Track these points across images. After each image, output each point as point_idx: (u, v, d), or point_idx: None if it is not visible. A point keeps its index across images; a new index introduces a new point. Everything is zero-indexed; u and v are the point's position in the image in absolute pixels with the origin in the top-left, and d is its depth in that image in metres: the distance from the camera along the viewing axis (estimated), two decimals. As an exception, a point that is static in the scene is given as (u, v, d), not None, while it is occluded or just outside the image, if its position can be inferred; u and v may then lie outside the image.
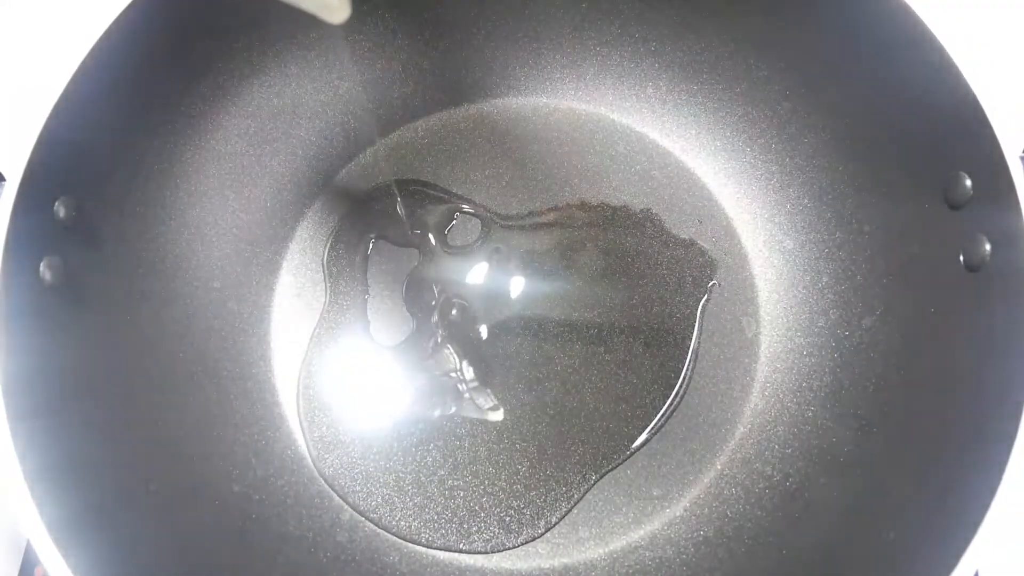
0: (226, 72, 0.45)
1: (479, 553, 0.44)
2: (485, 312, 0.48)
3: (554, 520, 0.45)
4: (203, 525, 0.40)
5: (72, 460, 0.34)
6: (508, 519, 0.45)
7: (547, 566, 0.44)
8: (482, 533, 0.44)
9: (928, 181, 0.38)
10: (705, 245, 0.50)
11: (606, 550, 0.45)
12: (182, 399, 0.43)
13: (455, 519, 0.45)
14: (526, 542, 0.44)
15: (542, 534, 0.44)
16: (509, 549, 0.44)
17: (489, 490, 0.45)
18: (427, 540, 0.44)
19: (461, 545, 0.44)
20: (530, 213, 0.50)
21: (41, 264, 0.34)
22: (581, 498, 0.45)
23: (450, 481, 0.45)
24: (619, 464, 0.46)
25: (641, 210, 0.51)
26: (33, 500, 0.30)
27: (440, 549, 0.44)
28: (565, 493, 0.45)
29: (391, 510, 0.45)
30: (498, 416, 0.46)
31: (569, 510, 0.45)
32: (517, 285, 0.49)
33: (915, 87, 0.38)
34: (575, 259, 0.49)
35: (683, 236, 0.50)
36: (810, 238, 0.48)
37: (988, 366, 0.35)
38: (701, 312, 0.49)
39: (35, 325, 0.34)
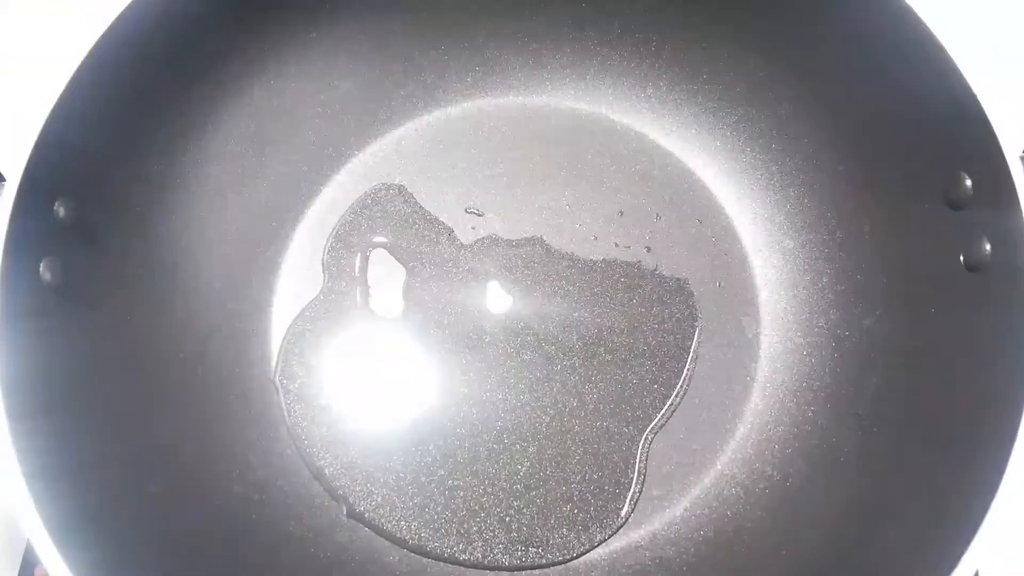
0: (226, 72, 0.45)
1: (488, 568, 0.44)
2: (486, 313, 0.48)
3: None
4: (203, 525, 0.40)
5: (72, 460, 0.34)
6: (508, 519, 0.45)
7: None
8: (482, 534, 0.44)
9: (928, 181, 0.38)
10: (706, 245, 0.50)
11: (606, 550, 0.45)
12: (182, 399, 0.43)
13: (455, 519, 0.45)
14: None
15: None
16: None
17: (489, 490, 0.45)
18: (426, 543, 0.44)
19: (463, 555, 0.44)
20: (530, 213, 0.50)
21: (41, 264, 0.34)
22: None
23: (450, 481, 0.45)
24: (619, 464, 0.46)
25: (641, 211, 0.51)
26: (33, 500, 0.30)
27: (439, 559, 0.44)
28: (565, 493, 0.45)
29: (391, 510, 0.45)
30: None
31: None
32: (517, 285, 0.49)
33: (915, 87, 0.38)
34: (575, 259, 0.49)
35: (684, 237, 0.50)
36: (810, 238, 0.48)
37: (988, 366, 0.35)
38: (701, 312, 0.49)
39: (35, 325, 0.34)
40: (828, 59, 0.43)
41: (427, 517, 0.45)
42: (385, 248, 0.50)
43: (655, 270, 0.49)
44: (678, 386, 0.47)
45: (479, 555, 0.44)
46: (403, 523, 0.45)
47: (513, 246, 0.50)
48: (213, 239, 0.46)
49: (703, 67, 0.50)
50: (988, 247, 0.35)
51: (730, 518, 0.44)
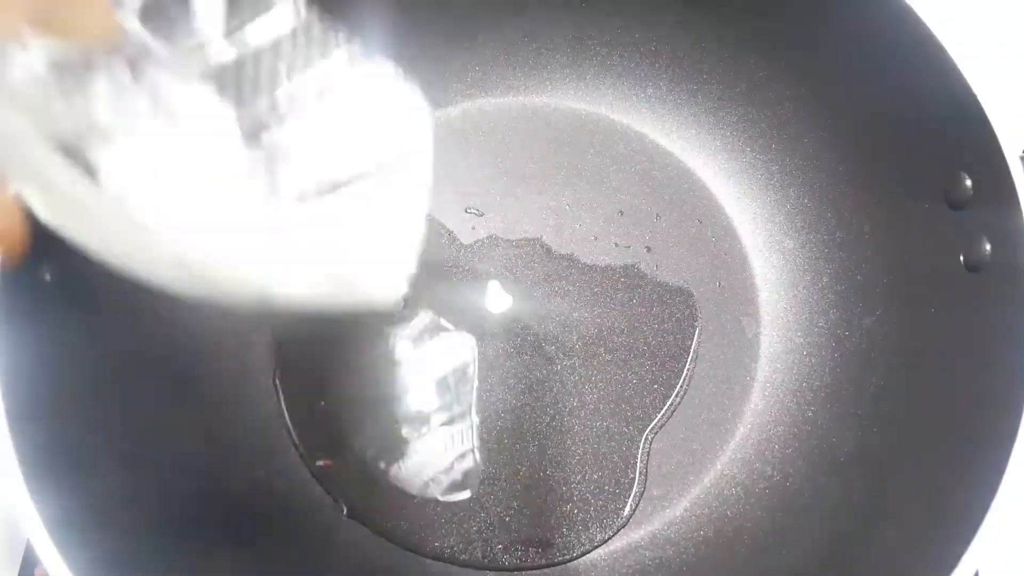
0: (226, 72, 0.45)
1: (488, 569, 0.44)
2: (486, 312, 0.48)
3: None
4: (203, 525, 0.40)
5: (72, 460, 0.34)
6: (508, 519, 0.45)
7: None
8: (482, 534, 0.44)
9: (928, 181, 0.38)
10: (706, 244, 0.50)
11: (606, 550, 0.45)
12: (182, 399, 0.43)
13: (455, 519, 0.45)
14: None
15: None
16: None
17: (489, 490, 0.45)
18: (426, 542, 0.44)
19: (463, 555, 0.44)
20: (530, 213, 0.50)
21: (41, 264, 0.34)
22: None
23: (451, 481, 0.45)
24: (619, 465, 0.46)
25: (641, 211, 0.50)
26: (33, 500, 0.30)
27: (439, 559, 0.44)
28: (565, 493, 0.45)
29: (391, 510, 0.45)
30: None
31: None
32: (517, 285, 0.49)
33: (916, 87, 0.38)
34: (575, 259, 0.49)
35: (684, 237, 0.50)
36: (810, 238, 0.48)
37: (988, 366, 0.35)
38: (701, 312, 0.48)
39: (35, 325, 0.34)
40: (828, 59, 0.43)
41: (427, 517, 0.45)
42: (385, 248, 0.50)
43: (655, 270, 0.49)
44: (678, 386, 0.47)
45: (479, 555, 0.44)
46: (403, 523, 0.45)
47: (513, 246, 0.50)
48: (213, 239, 0.46)
49: (703, 67, 0.50)
50: (988, 247, 0.35)
51: (730, 518, 0.44)
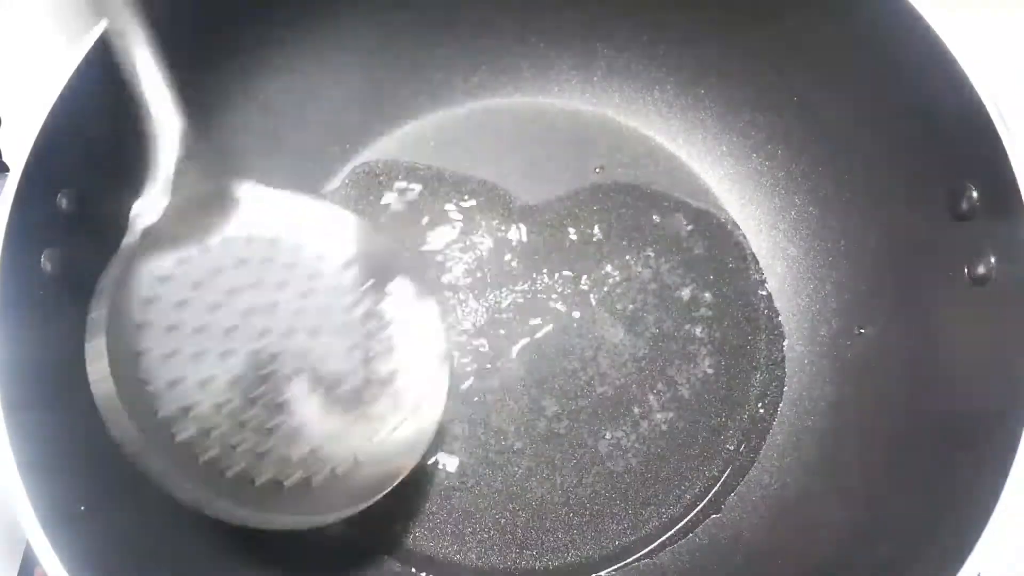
0: (229, 70, 0.45)
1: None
2: (484, 312, 0.48)
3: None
4: (202, 524, 0.40)
5: (69, 454, 0.33)
6: (504, 521, 0.44)
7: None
8: (477, 536, 0.44)
9: (934, 191, 0.38)
10: (709, 250, 0.50)
11: (601, 556, 0.44)
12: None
13: (450, 521, 0.44)
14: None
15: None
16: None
17: (485, 492, 0.45)
18: (421, 544, 0.44)
19: (456, 556, 0.44)
20: (533, 214, 0.50)
21: (42, 255, 0.34)
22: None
23: (446, 482, 0.45)
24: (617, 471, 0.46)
25: (644, 213, 0.50)
26: (28, 495, 0.30)
27: (435, 561, 0.44)
28: (561, 497, 0.45)
29: (388, 511, 0.44)
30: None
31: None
32: (517, 285, 0.49)
33: (922, 96, 0.38)
34: (576, 261, 0.49)
35: (687, 241, 0.50)
36: (814, 246, 0.48)
37: (991, 379, 0.35)
38: (702, 317, 0.48)
39: (35, 316, 0.34)
40: (836, 67, 0.43)
41: (423, 518, 0.44)
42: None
43: (656, 274, 0.49)
44: (678, 391, 0.47)
45: (473, 557, 0.44)
46: (399, 524, 0.44)
47: (515, 247, 0.50)
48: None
49: (710, 71, 0.50)
50: (993, 259, 0.35)
51: (727, 526, 0.44)
